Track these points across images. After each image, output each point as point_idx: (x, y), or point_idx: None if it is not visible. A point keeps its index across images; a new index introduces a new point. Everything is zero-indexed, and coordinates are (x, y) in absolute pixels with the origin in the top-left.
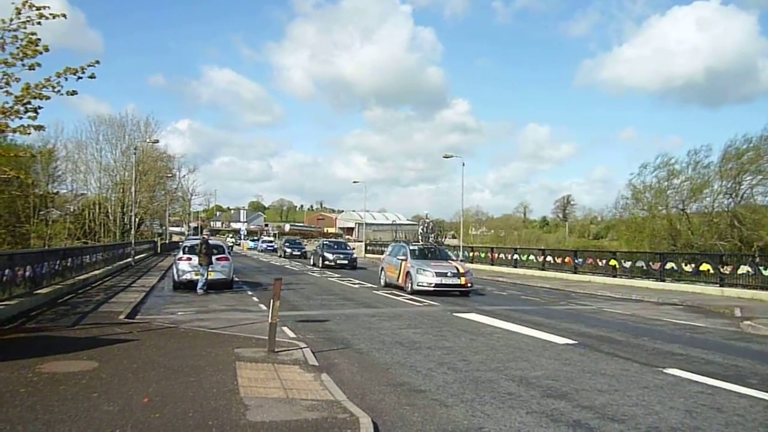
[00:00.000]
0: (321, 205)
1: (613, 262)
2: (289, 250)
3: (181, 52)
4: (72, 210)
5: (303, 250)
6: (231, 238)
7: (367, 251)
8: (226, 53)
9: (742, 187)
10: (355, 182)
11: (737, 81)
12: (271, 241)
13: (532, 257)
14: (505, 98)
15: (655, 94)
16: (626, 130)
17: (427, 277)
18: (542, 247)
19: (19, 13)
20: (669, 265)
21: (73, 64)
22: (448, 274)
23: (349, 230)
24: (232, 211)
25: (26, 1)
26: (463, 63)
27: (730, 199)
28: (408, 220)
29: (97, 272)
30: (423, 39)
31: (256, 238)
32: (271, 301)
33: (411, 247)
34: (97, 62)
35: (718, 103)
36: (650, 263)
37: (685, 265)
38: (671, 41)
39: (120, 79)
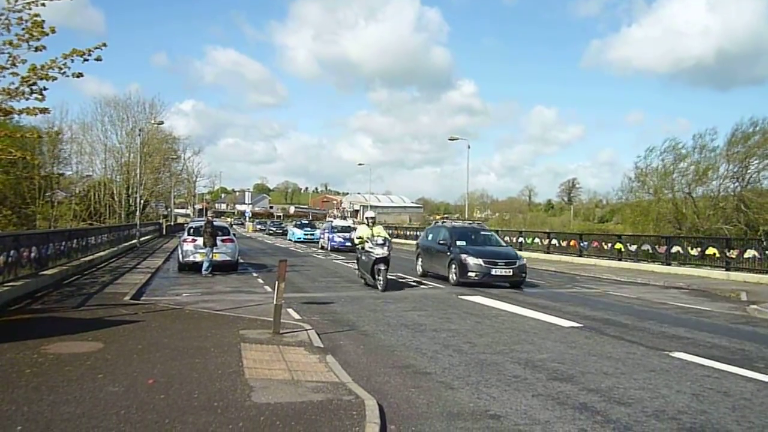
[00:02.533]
0: (326, 188)
1: (618, 246)
2: (479, 263)
3: (183, 32)
4: (77, 191)
5: (519, 263)
6: (336, 221)
7: None
8: (229, 32)
9: (748, 171)
10: (360, 164)
11: (748, 63)
12: (347, 230)
13: (537, 240)
14: (511, 80)
15: (663, 76)
16: (634, 113)
17: None
18: (547, 230)
19: None
20: (675, 249)
21: (75, 44)
22: None
23: (354, 213)
24: (237, 193)
25: None
26: (469, 43)
27: (737, 183)
28: (413, 202)
29: (102, 253)
30: (429, 19)
31: (300, 222)
32: (276, 282)
33: None
34: (104, 45)
35: (728, 86)
36: (656, 247)
37: (691, 249)
38: (681, 22)
39: (123, 59)
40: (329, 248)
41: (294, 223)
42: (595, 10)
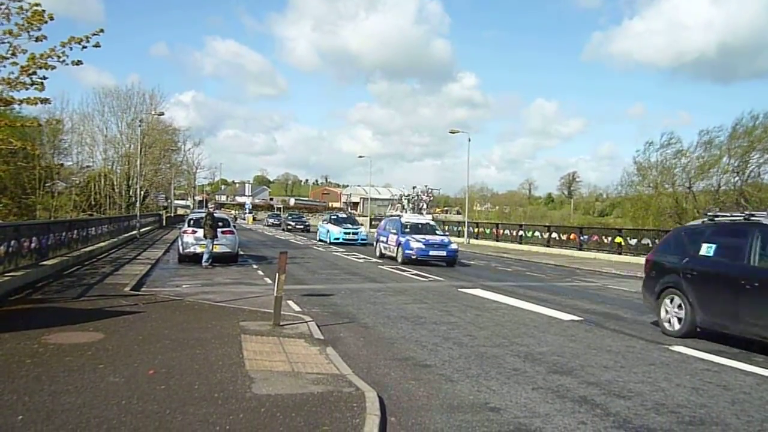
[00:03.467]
0: (326, 180)
1: (618, 240)
2: None
3: (183, 22)
4: (77, 182)
5: None
6: (406, 215)
7: (372, 226)
8: (229, 23)
9: (749, 165)
10: (360, 157)
11: (750, 56)
12: (428, 229)
13: (537, 234)
14: (512, 72)
15: (665, 69)
16: (635, 106)
17: None
18: (547, 224)
19: None
20: None
21: (74, 33)
22: None
23: (354, 205)
24: (237, 185)
25: None
26: (470, 36)
27: (737, 177)
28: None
29: (102, 244)
30: (430, 11)
31: (336, 216)
32: (277, 274)
33: None
34: (101, 31)
35: (730, 79)
36: (656, 241)
37: None
38: (684, 15)
39: (122, 49)
40: (400, 259)
41: (328, 217)
42: (596, 2)
